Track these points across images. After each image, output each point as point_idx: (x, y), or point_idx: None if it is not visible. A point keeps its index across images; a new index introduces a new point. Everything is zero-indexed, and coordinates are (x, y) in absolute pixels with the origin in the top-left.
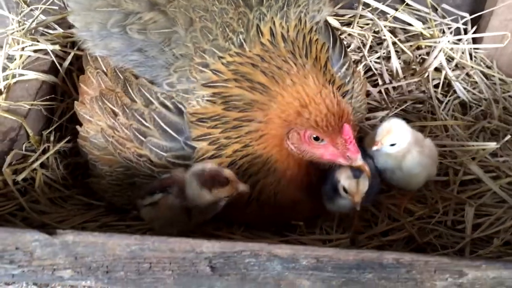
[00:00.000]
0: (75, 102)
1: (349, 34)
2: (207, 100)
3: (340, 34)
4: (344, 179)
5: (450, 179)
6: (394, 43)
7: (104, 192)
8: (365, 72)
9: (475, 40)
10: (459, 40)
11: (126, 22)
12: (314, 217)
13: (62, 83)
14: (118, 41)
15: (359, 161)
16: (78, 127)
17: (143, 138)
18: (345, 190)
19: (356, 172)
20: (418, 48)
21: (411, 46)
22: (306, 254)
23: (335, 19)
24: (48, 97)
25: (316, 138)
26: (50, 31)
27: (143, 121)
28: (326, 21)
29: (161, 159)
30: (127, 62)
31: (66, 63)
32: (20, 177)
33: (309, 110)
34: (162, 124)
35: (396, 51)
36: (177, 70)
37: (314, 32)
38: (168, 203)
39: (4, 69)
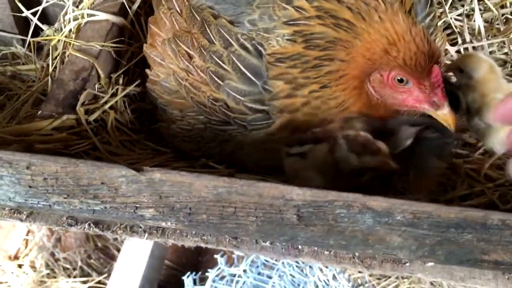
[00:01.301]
0: (144, 44)
1: None
2: (287, 40)
3: None
4: None
5: None
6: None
7: (173, 137)
8: (444, 30)
9: None
10: None
11: None
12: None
13: (131, 26)
14: None
15: (446, 108)
16: (147, 70)
17: (220, 82)
18: None
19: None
20: (503, 7)
21: (495, 4)
22: (403, 209)
23: None
24: (117, 39)
25: (401, 81)
26: None
27: (221, 63)
28: None
29: (238, 103)
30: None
31: (135, 6)
32: (92, 118)
33: (397, 48)
34: (241, 67)
35: (479, 9)
36: (259, 6)
37: None
38: (318, 156)
39: (74, 10)
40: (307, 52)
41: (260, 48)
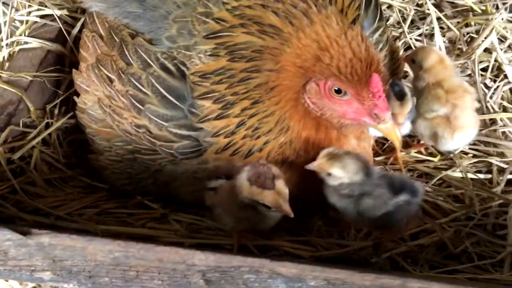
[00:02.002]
0: (73, 70)
1: (388, 7)
2: (210, 55)
3: None
4: None
5: (493, 178)
6: (438, 19)
7: (104, 169)
8: (405, 50)
9: None
10: None
11: None
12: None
13: (70, 53)
14: None
15: (388, 120)
16: (75, 98)
17: (140, 106)
18: None
19: (398, 93)
20: (467, 25)
21: (458, 23)
22: (315, 275)
23: None
24: (53, 68)
25: (338, 91)
26: None
27: (140, 86)
28: None
29: (161, 129)
30: (125, 15)
31: (75, 31)
32: (16, 156)
33: (330, 54)
34: (162, 90)
35: (441, 28)
36: (176, 20)
37: None
38: (224, 192)
39: (11, 36)
40: (232, 65)
41: (183, 68)
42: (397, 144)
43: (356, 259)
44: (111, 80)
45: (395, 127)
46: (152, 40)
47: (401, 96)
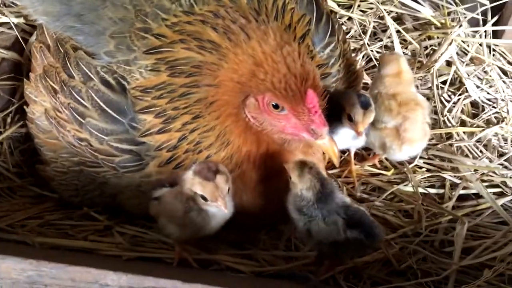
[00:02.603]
0: (24, 80)
1: (349, 19)
2: (150, 70)
3: (339, 18)
4: (350, 107)
5: (445, 193)
6: (398, 31)
7: (51, 180)
8: (367, 63)
9: (496, 33)
10: (476, 32)
11: None
12: (280, 221)
13: (28, 61)
14: (56, 5)
15: (325, 136)
16: (25, 107)
17: (81, 120)
18: (349, 118)
19: (364, 102)
20: (430, 38)
21: (419, 35)
22: None
23: (333, 0)
24: (8, 76)
25: (276, 106)
26: (17, 2)
27: (80, 99)
28: None
29: (102, 143)
30: (66, 30)
31: (32, 39)
32: None
33: (264, 69)
34: (101, 104)
35: (404, 40)
36: (114, 36)
37: (290, 0)
38: (168, 200)
39: None
40: (173, 80)
41: (123, 82)
42: (335, 160)
43: (297, 275)
44: (55, 92)
45: (333, 143)
46: (93, 54)
47: (365, 105)
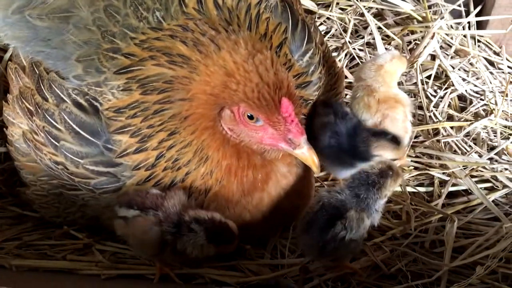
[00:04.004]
0: (3, 102)
1: (329, 18)
2: (122, 90)
3: (318, 18)
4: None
5: (434, 191)
6: (379, 28)
7: (32, 202)
8: (350, 61)
9: (480, 24)
10: (459, 23)
11: (27, 7)
12: (268, 233)
13: (2, 78)
14: (23, 29)
15: (303, 145)
16: (4, 130)
17: (56, 143)
18: None
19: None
20: (413, 32)
21: (401, 30)
22: None
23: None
24: None
25: (251, 117)
26: None
27: (54, 122)
28: (285, 2)
29: (78, 166)
30: (37, 54)
31: (7, 55)
32: None
33: (236, 79)
34: (74, 126)
35: (387, 36)
36: (80, 60)
37: (264, 9)
38: (140, 227)
39: None
40: (145, 98)
41: (96, 103)
42: (315, 169)
43: (283, 284)
44: (31, 114)
45: (311, 151)
46: (63, 77)
47: (395, 140)
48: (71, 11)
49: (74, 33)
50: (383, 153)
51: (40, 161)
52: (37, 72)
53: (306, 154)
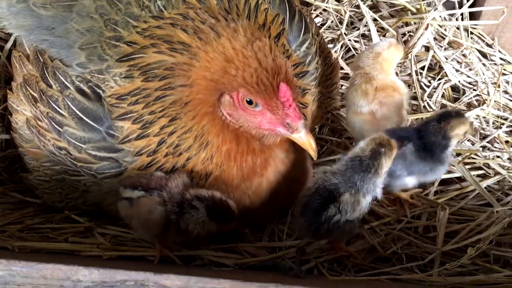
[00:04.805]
0: (7, 90)
1: (325, 9)
2: (124, 77)
3: (315, 9)
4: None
5: None
6: (374, 20)
7: (35, 188)
8: (346, 52)
9: (473, 15)
10: (452, 15)
11: None
12: (266, 219)
13: (4, 68)
14: (28, 18)
15: (302, 129)
16: (9, 117)
17: (59, 128)
18: None
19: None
20: (407, 24)
21: (396, 22)
22: (200, 286)
23: None
24: None
25: (250, 102)
26: None
27: (57, 108)
28: None
29: (80, 151)
30: (41, 42)
31: (8, 45)
32: None
33: (235, 65)
34: (78, 112)
35: (382, 28)
36: (83, 48)
37: (263, 0)
38: (145, 208)
39: None
40: (147, 84)
41: (98, 90)
42: (312, 153)
43: (281, 265)
44: (35, 100)
45: (309, 136)
46: (67, 65)
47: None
48: None
49: (77, 21)
50: (459, 130)
51: (44, 147)
52: (42, 60)
53: (304, 138)
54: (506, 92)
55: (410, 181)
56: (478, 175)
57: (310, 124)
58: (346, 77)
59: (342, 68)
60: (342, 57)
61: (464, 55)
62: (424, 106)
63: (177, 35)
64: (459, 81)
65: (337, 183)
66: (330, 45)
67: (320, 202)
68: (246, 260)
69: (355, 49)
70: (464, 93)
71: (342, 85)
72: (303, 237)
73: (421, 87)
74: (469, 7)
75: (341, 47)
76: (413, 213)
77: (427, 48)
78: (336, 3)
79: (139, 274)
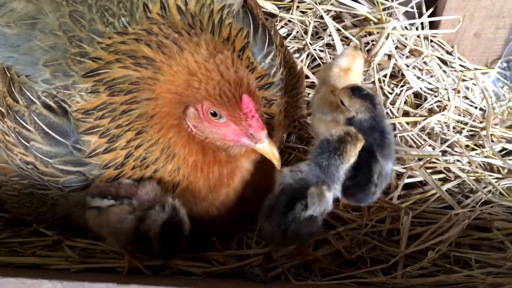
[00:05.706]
0: None
1: (290, 20)
2: (90, 93)
3: (280, 20)
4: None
5: (391, 183)
6: (338, 30)
7: (3, 202)
8: (312, 61)
9: (433, 24)
10: (412, 24)
11: None
12: (235, 228)
13: None
14: None
15: (264, 140)
16: None
17: (26, 143)
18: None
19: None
20: (370, 34)
21: (359, 31)
22: None
23: (272, 3)
24: None
25: (214, 114)
26: None
27: (24, 123)
28: (246, 8)
29: (47, 166)
30: (6, 59)
31: None
32: None
33: (198, 78)
34: (44, 127)
35: (346, 38)
36: (48, 64)
37: (227, 15)
38: (118, 215)
39: None
40: (113, 99)
41: (65, 105)
42: (276, 162)
43: (248, 272)
44: (3, 115)
45: (272, 146)
46: (33, 81)
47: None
48: (37, 17)
49: (40, 38)
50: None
51: (11, 162)
52: (8, 75)
53: (267, 148)
54: (466, 97)
55: None
56: (439, 179)
57: (277, 134)
58: (312, 85)
59: (307, 77)
60: (308, 66)
61: (425, 63)
62: (387, 113)
63: (141, 50)
64: (420, 88)
65: (304, 177)
66: (296, 55)
67: (286, 203)
68: (214, 268)
69: (320, 58)
70: (425, 99)
71: (308, 93)
72: (271, 242)
73: (384, 94)
74: (429, 16)
75: (307, 56)
76: (377, 217)
77: (389, 57)
78: (301, 14)
79: (103, 285)
